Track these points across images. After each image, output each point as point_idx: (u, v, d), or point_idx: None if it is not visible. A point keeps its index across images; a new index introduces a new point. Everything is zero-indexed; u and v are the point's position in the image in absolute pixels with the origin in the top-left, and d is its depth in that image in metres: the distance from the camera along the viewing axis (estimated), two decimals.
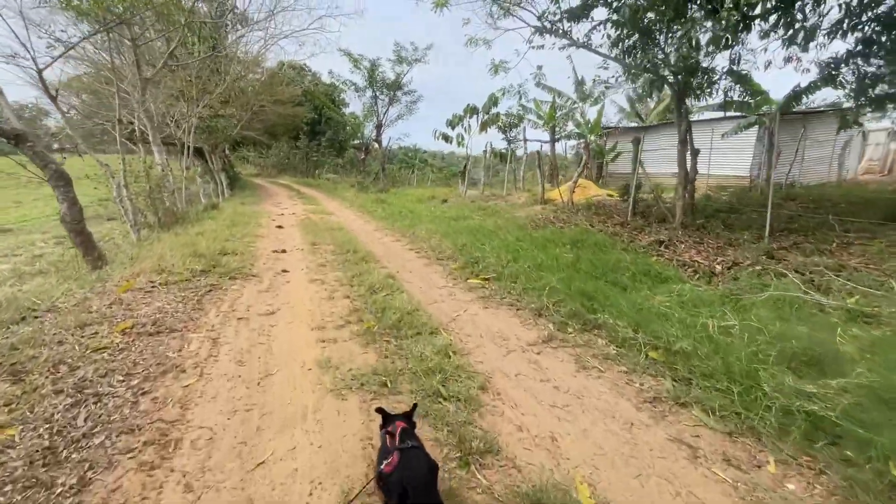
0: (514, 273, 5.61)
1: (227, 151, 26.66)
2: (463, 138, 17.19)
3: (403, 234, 9.50)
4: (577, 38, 8.48)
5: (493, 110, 16.16)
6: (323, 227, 10.29)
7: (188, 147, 11.91)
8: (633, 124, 23.20)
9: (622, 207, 10.80)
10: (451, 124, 17.34)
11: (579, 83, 19.92)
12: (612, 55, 8.43)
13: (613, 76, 9.56)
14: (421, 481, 1.77)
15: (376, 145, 31.44)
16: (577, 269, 5.60)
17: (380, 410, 2.19)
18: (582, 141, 22.79)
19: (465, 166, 17.61)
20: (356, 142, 39.79)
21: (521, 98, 13.71)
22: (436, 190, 20.96)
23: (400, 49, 26.39)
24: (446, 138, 17.38)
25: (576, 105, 20.62)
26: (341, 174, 35.70)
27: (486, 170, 17.46)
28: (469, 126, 17.45)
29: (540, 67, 10.75)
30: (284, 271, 6.13)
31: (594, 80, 9.45)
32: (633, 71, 8.82)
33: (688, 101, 8.25)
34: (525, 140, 18.40)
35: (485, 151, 17.00)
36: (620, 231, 8.18)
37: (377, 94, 28.24)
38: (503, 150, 17.49)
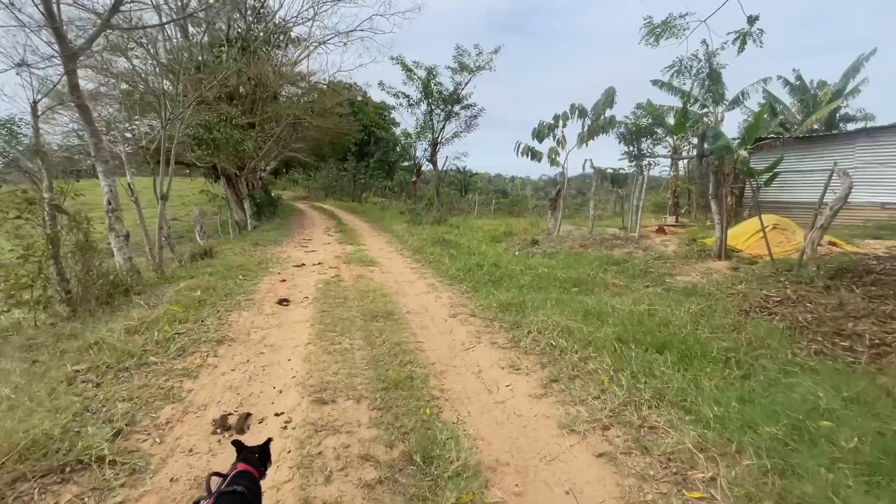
0: None
1: (262, 174, 23.46)
2: (557, 153, 12.38)
3: (509, 331, 4.71)
4: None
5: (608, 112, 11.29)
6: (357, 305, 5.72)
7: (167, 165, 7.90)
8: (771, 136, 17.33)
9: None
10: (539, 135, 12.60)
11: (712, 79, 14.68)
12: None
13: None
14: None
15: (429, 166, 27.42)
16: None
17: (236, 443, 1.87)
18: (706, 158, 17.26)
19: (558, 192, 12.74)
20: (406, 163, 36.14)
21: (705, 80, 8.45)
22: (509, 222, 16.19)
23: (461, 54, 22.42)
24: (533, 154, 12.63)
25: (706, 110, 15.33)
26: (389, 198, 31.94)
27: (584, 196, 12.57)
28: (563, 137, 12.68)
29: (754, 19, 5.82)
30: None
31: None
32: None
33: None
34: (635, 155, 13.31)
35: (597, 170, 12.04)
36: None
37: (432, 107, 24.30)
38: (615, 171, 12.45)
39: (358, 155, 32.59)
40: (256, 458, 1.84)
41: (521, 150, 12.70)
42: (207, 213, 19.46)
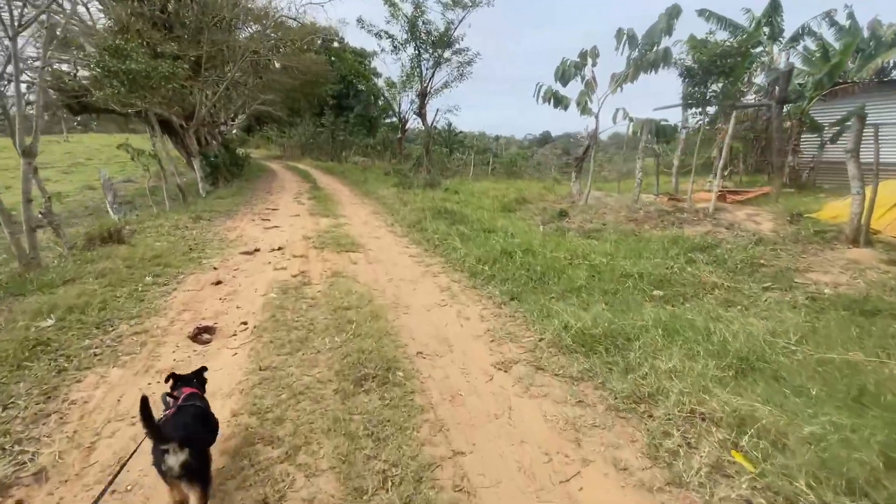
0: None
1: (223, 128, 20.06)
2: (589, 99, 9.71)
3: (626, 417, 2.36)
4: None
5: (663, 42, 8.58)
6: (329, 346, 3.27)
7: (33, 104, 5.05)
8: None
9: None
10: (563, 76, 9.88)
11: (772, 8, 11.96)
12: None
13: None
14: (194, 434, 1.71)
15: (416, 121, 24.18)
16: None
17: (171, 377, 2.09)
18: (752, 109, 14.65)
19: (586, 148, 10.18)
20: (388, 119, 32.45)
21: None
22: (517, 186, 13.58)
23: None
24: (557, 100, 9.96)
25: (761, 47, 12.69)
26: (372, 157, 28.71)
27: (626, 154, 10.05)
28: (594, 79, 9.98)
29: None
30: None
31: None
32: None
33: None
34: (699, 100, 10.69)
35: (647, 121, 9.44)
36: None
37: (420, 51, 20.93)
38: (657, 122, 9.86)
39: (336, 109, 28.99)
40: (196, 383, 2.10)
41: (542, 94, 9.99)
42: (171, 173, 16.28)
